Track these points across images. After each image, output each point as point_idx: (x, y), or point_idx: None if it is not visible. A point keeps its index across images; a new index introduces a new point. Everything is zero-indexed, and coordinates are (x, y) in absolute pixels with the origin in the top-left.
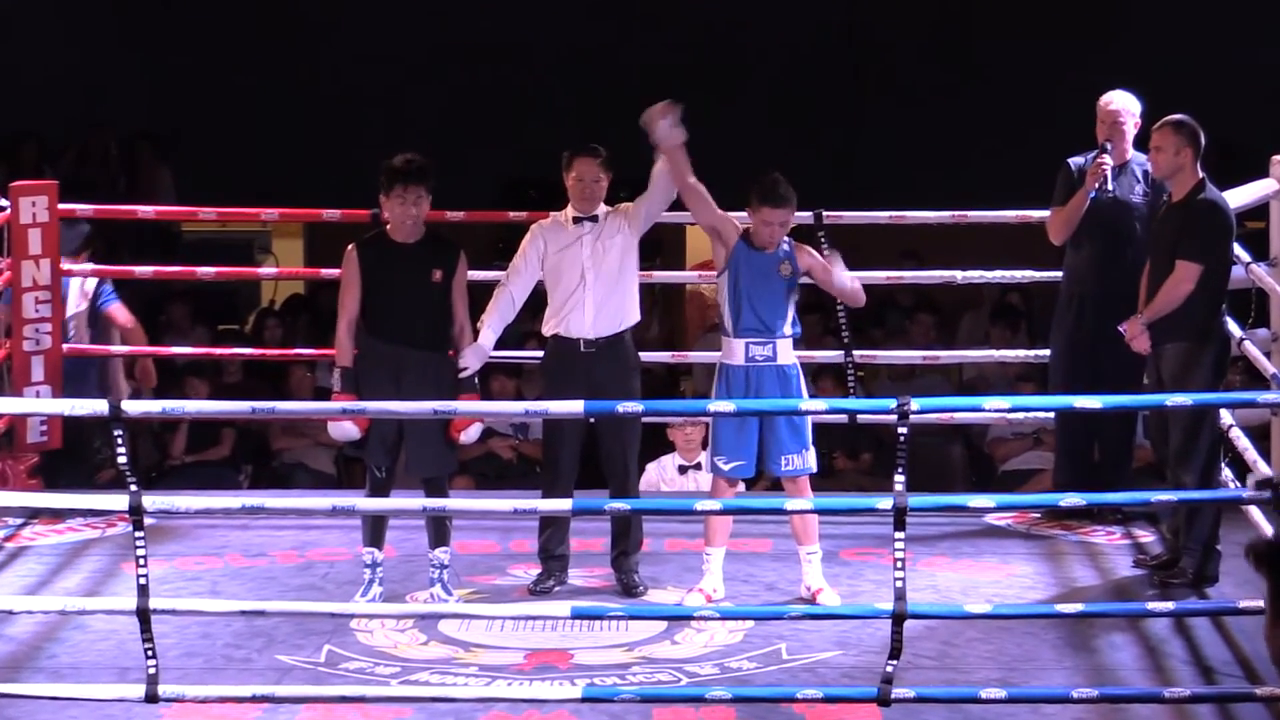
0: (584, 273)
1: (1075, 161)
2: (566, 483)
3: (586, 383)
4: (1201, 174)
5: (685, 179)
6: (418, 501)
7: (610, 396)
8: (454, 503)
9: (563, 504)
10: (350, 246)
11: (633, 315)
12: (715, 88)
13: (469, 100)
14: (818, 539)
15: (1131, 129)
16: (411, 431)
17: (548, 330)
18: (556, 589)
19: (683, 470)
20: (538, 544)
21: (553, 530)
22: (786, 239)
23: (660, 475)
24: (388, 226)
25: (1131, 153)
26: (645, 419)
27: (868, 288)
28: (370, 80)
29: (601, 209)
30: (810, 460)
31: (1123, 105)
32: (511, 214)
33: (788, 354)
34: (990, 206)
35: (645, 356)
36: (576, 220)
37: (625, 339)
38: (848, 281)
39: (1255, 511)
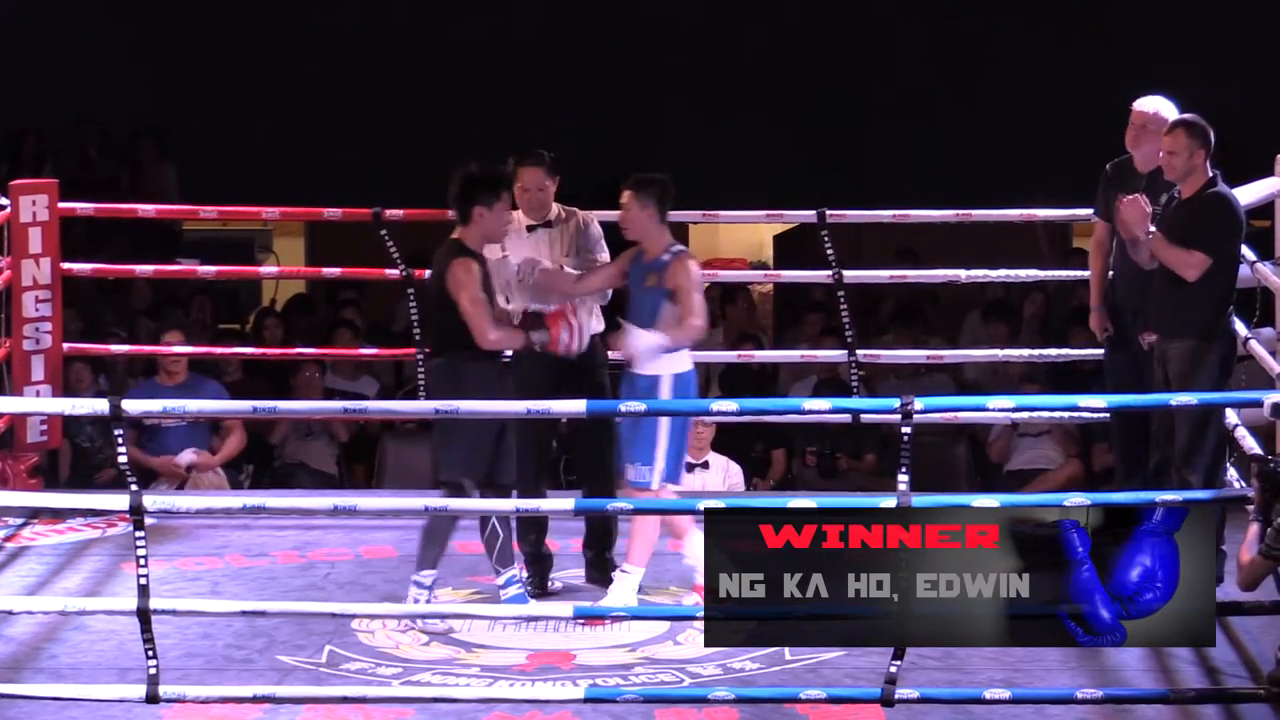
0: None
1: (1108, 168)
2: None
3: (556, 381)
4: (1212, 172)
5: (579, 290)
6: (418, 501)
7: (580, 392)
8: (456, 503)
9: (564, 504)
10: (467, 258)
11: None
12: (716, 86)
13: (475, 100)
14: (644, 563)
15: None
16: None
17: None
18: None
19: (690, 468)
20: (526, 547)
21: (538, 532)
22: (671, 250)
23: None
24: (475, 235)
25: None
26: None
27: (871, 287)
28: (373, 79)
29: (554, 210)
30: (654, 477)
31: (1156, 110)
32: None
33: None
34: (994, 205)
35: None
36: (530, 228)
37: (591, 340)
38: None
39: None
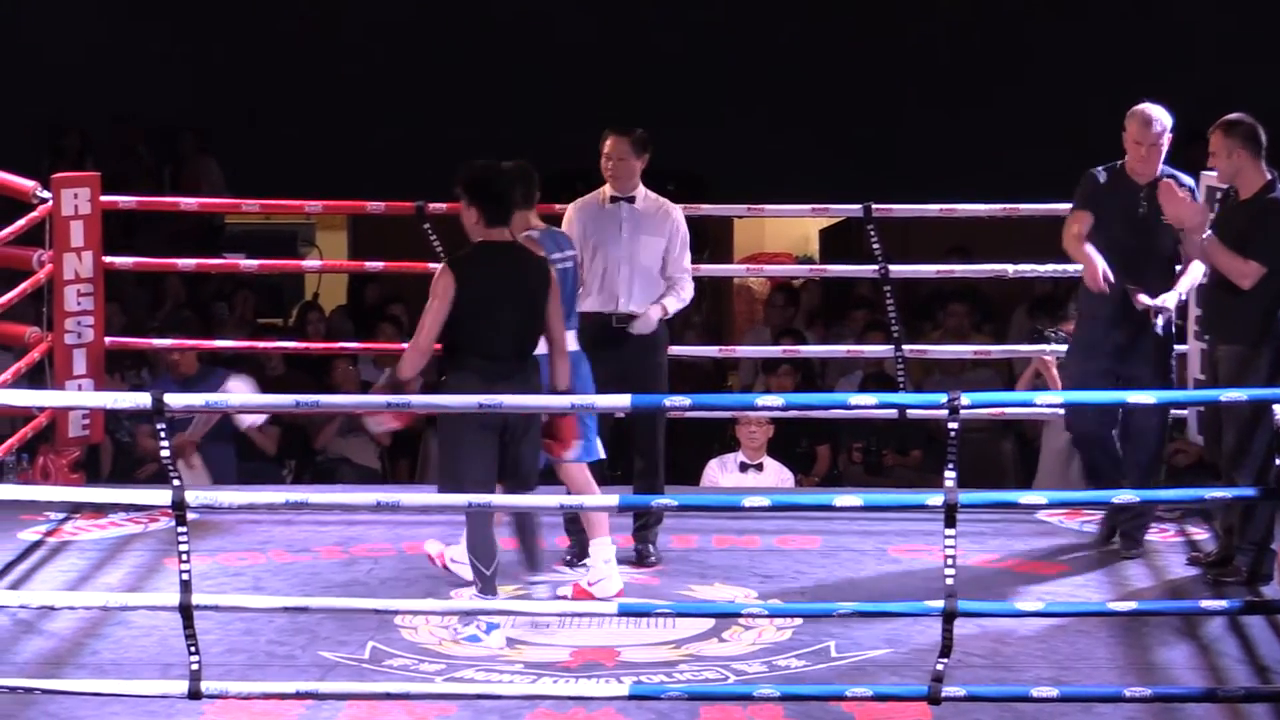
0: (621, 250)
1: (1098, 175)
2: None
3: (617, 356)
4: (1271, 174)
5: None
6: (462, 497)
7: (639, 372)
8: (497, 497)
9: (609, 500)
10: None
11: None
12: (760, 78)
13: (519, 94)
14: (605, 532)
15: (1165, 144)
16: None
17: (583, 307)
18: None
19: (744, 468)
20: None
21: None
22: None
23: (721, 472)
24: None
25: (1162, 168)
26: (694, 414)
27: (919, 281)
28: (416, 74)
29: (641, 191)
30: (592, 448)
31: (1151, 121)
32: (556, 206)
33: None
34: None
35: (692, 351)
36: (613, 199)
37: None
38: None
39: None
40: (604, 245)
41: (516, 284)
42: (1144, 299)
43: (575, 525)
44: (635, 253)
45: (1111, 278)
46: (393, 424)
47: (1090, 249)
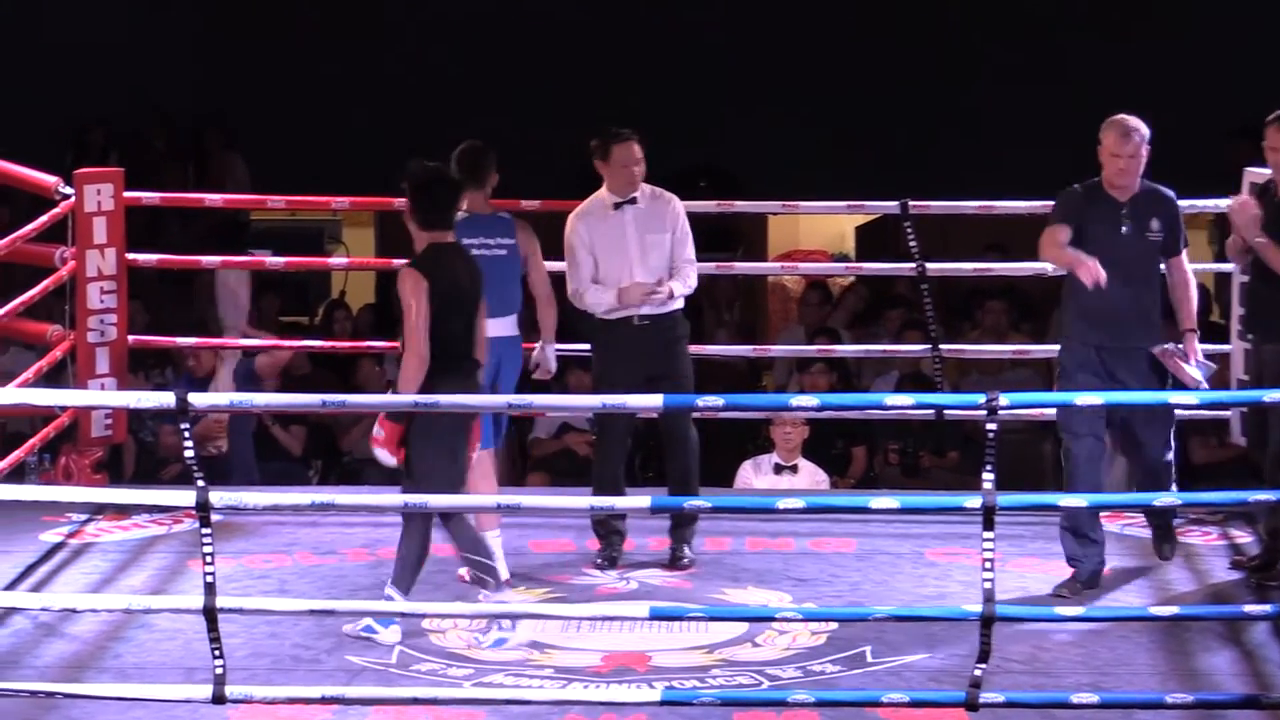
0: (630, 255)
1: (1077, 191)
2: (618, 452)
3: (640, 356)
4: None
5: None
6: (491, 499)
7: (665, 370)
8: (529, 500)
9: (641, 502)
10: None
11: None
12: (787, 74)
13: (550, 89)
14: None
15: (1144, 156)
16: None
17: (600, 312)
18: (618, 560)
19: (778, 470)
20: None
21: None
22: (507, 214)
23: (755, 473)
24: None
25: (1142, 182)
26: (728, 415)
27: (956, 280)
28: (445, 66)
29: (642, 191)
30: (487, 436)
31: (1130, 132)
32: None
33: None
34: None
35: (725, 350)
36: (616, 205)
37: (675, 315)
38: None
39: None
40: (612, 252)
41: (466, 284)
42: (1185, 367)
43: (604, 528)
44: (645, 254)
45: (1104, 278)
46: (391, 459)
47: (1074, 250)
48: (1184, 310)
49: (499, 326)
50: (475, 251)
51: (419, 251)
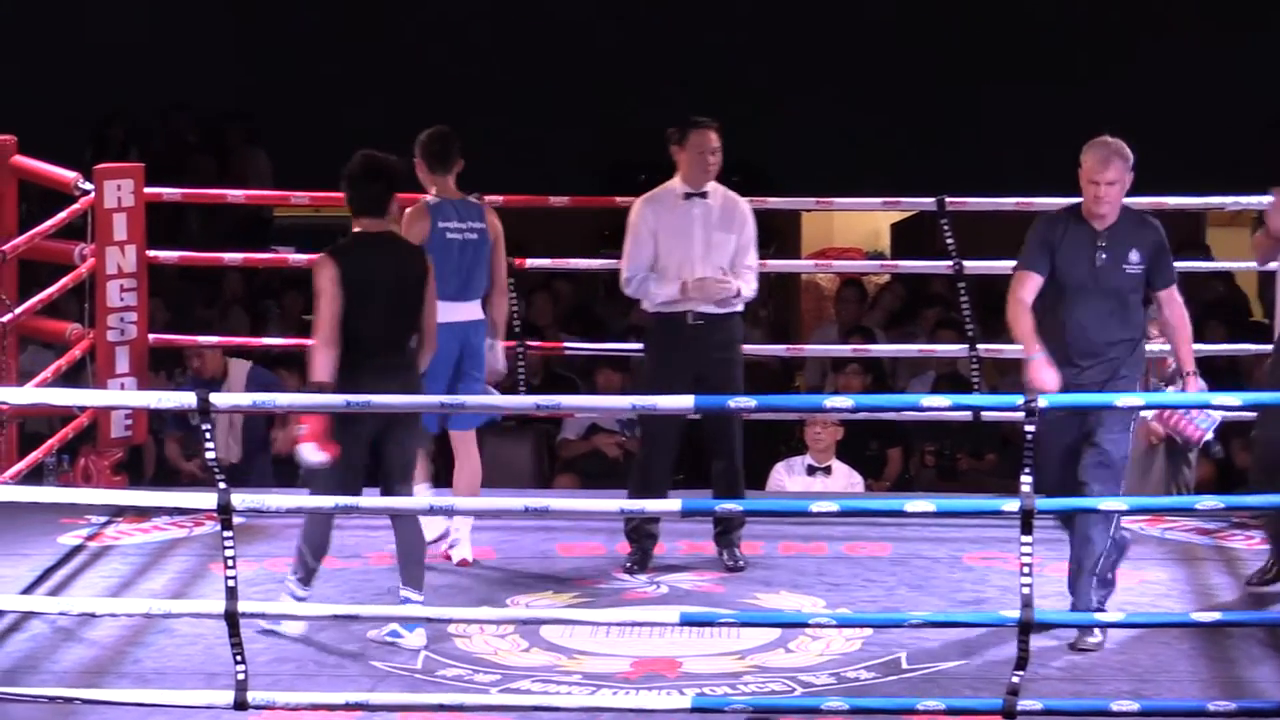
0: (694, 249)
1: (1053, 220)
2: (664, 458)
3: (692, 357)
4: None
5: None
6: (518, 501)
7: (715, 373)
8: (557, 502)
9: (671, 505)
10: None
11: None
12: (825, 64)
13: (570, 83)
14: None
15: (1127, 182)
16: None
17: (656, 305)
18: (650, 565)
19: (811, 471)
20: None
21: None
22: (475, 198)
23: (788, 475)
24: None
25: (1125, 211)
26: (760, 415)
27: (994, 278)
28: (468, 63)
29: (713, 186)
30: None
31: (1109, 158)
32: (619, 199)
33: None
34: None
35: (758, 349)
36: (687, 196)
37: (733, 318)
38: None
39: None
40: (677, 243)
41: (393, 276)
42: (1186, 422)
43: (637, 533)
44: (709, 251)
45: (1052, 388)
46: (320, 455)
47: (1031, 333)
48: (1180, 352)
49: (466, 310)
50: (450, 236)
51: (345, 239)
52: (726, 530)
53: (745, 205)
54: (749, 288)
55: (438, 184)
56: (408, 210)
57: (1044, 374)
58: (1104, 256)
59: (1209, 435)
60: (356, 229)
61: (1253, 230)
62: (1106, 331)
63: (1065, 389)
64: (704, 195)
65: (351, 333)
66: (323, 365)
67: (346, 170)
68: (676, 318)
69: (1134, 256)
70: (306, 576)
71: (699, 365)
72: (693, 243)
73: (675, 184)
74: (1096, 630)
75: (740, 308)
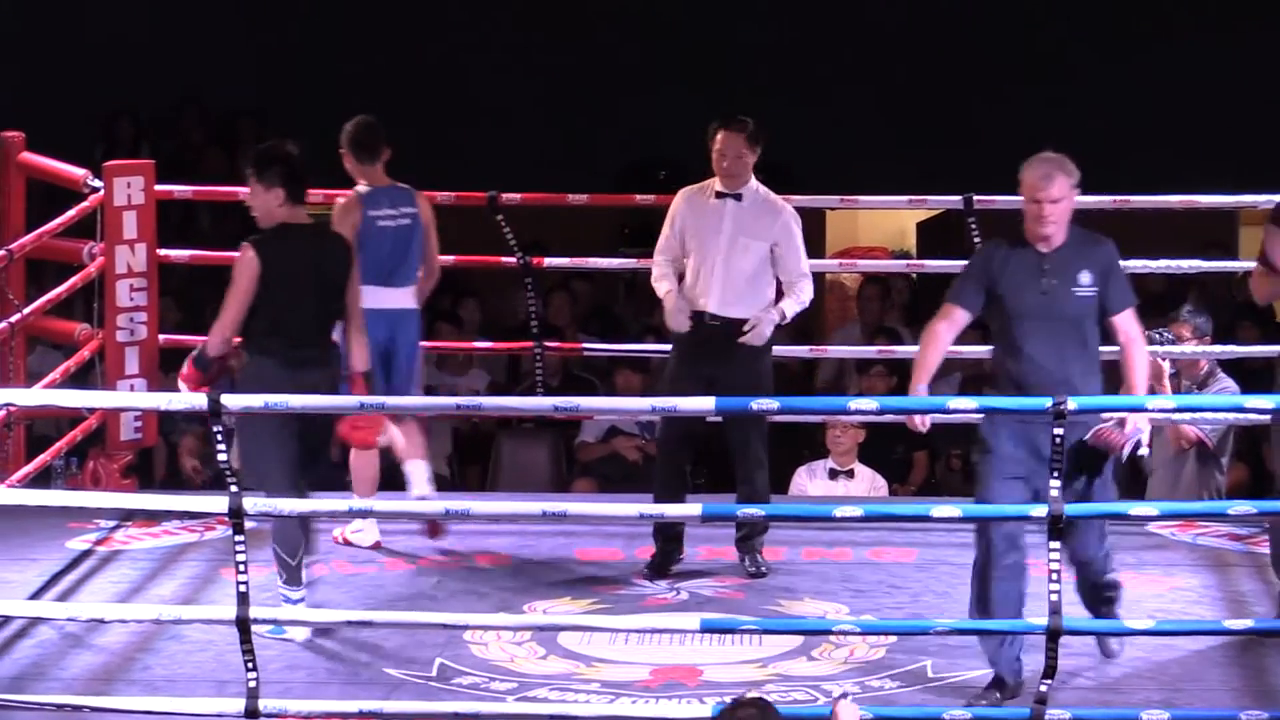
0: (718, 249)
1: (995, 248)
2: (679, 459)
3: (704, 359)
4: None
5: None
6: (535, 505)
7: (737, 379)
8: (575, 506)
9: (692, 510)
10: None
11: (761, 306)
12: (851, 62)
13: (589, 76)
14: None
15: (1071, 201)
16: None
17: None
18: (673, 568)
19: (833, 475)
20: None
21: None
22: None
23: (809, 479)
24: None
25: (1066, 234)
26: (782, 418)
27: None
28: (485, 60)
29: (751, 189)
30: None
31: (1052, 176)
32: (638, 197)
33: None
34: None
35: (781, 350)
36: (719, 195)
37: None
38: None
39: None
40: (702, 242)
41: (316, 265)
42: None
43: (659, 536)
44: (731, 254)
45: (927, 427)
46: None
47: (928, 368)
48: (1132, 378)
49: (397, 297)
50: (382, 223)
51: (267, 229)
52: (748, 535)
53: (786, 210)
54: (796, 302)
55: (366, 173)
56: (339, 201)
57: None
58: (1052, 281)
59: (1130, 447)
60: (282, 218)
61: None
62: (1061, 364)
63: (1014, 430)
64: (737, 197)
65: (273, 323)
66: (217, 344)
67: (261, 161)
68: (696, 316)
69: (1085, 278)
70: (291, 577)
71: (712, 369)
72: (718, 244)
73: (714, 181)
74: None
75: (775, 316)
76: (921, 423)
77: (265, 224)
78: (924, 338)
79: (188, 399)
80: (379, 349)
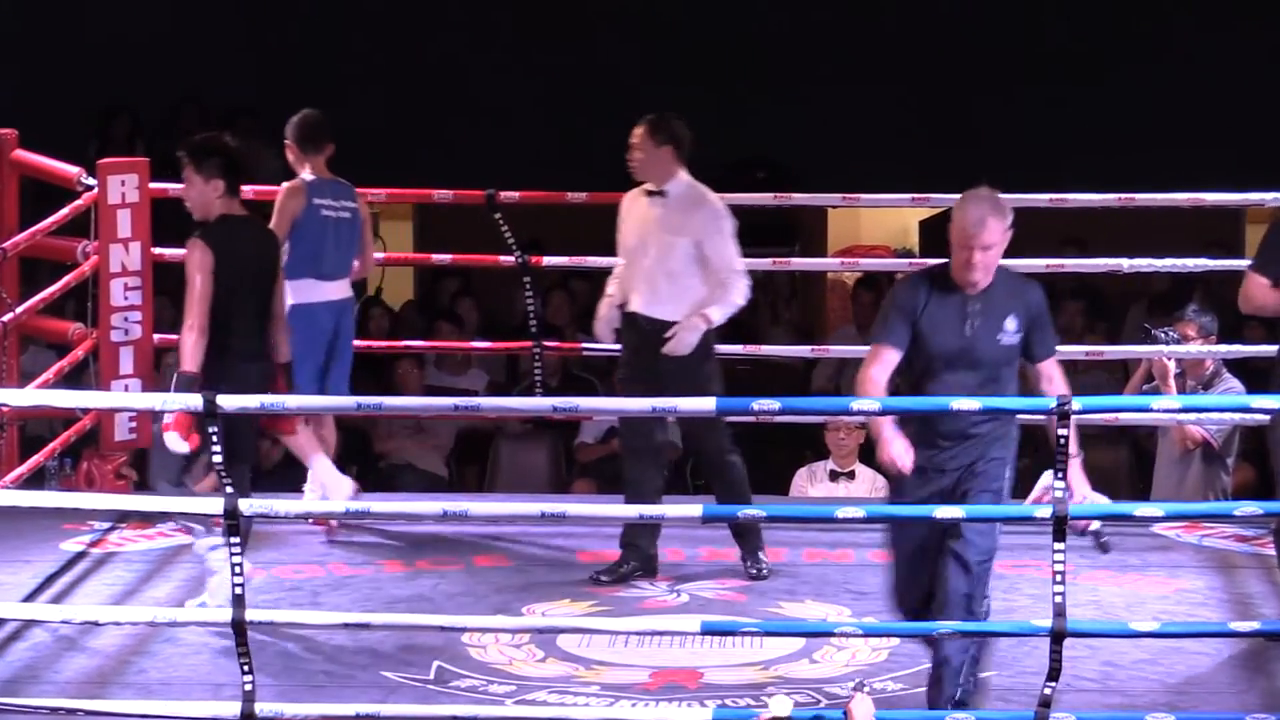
0: (643, 248)
1: (919, 283)
2: (649, 472)
3: (641, 361)
4: None
5: None
6: (534, 506)
7: (660, 382)
8: (575, 507)
9: (691, 510)
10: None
11: (690, 306)
12: (853, 51)
13: (589, 73)
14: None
15: (1003, 244)
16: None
17: (621, 300)
18: (629, 581)
19: (834, 477)
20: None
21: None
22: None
23: (810, 482)
24: None
25: (1001, 273)
26: (783, 418)
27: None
28: (485, 60)
29: (678, 185)
30: None
31: (985, 221)
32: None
33: None
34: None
35: (782, 350)
36: (648, 193)
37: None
38: None
39: None
40: (629, 241)
41: (257, 257)
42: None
43: (624, 540)
44: (653, 252)
45: (910, 464)
46: (182, 445)
47: (889, 424)
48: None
49: (339, 289)
50: (325, 213)
51: (212, 223)
52: (740, 535)
53: (710, 205)
54: (723, 307)
55: (310, 164)
56: (285, 186)
57: (894, 446)
58: (975, 324)
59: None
60: (223, 211)
61: None
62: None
63: (923, 474)
64: (663, 194)
65: (222, 316)
66: (192, 355)
67: (199, 153)
68: (629, 316)
69: (1010, 324)
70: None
71: (648, 373)
72: (644, 242)
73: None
74: None
75: (688, 313)
76: (905, 466)
77: (201, 216)
78: (863, 390)
79: (183, 400)
80: (326, 339)
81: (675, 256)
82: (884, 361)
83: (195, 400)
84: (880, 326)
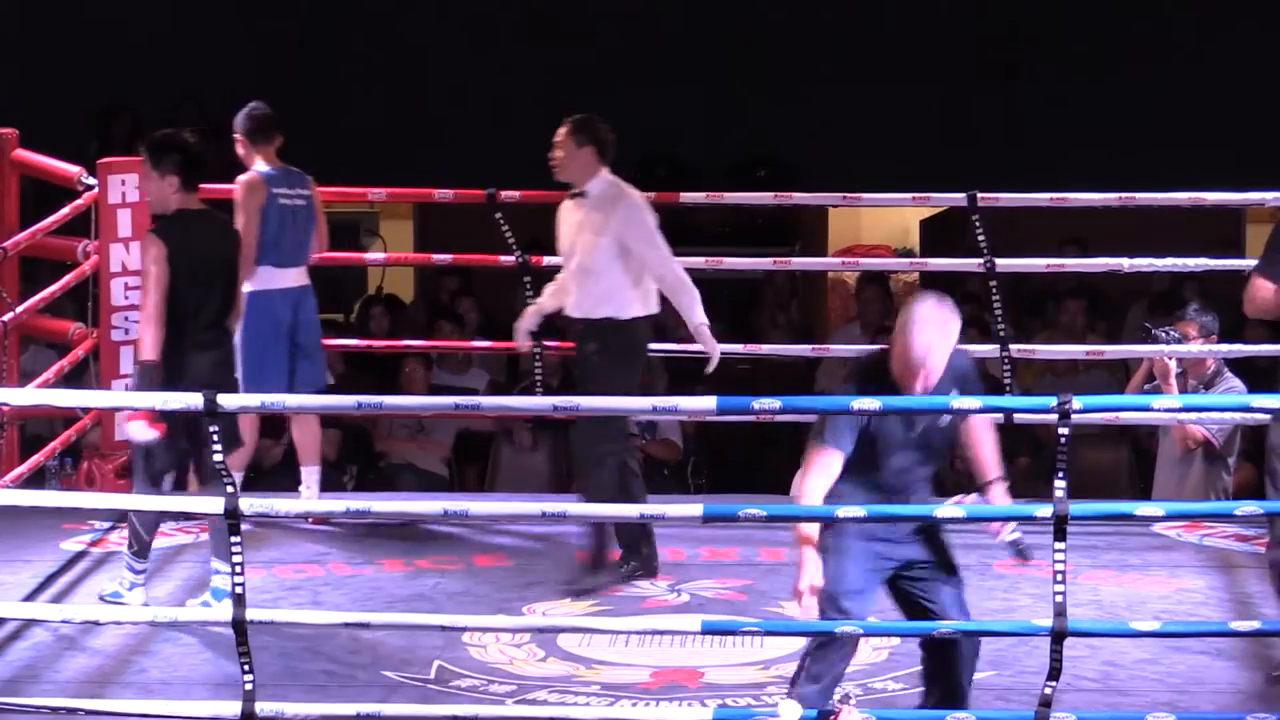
0: (570, 249)
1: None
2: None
3: (579, 364)
4: None
5: None
6: (534, 506)
7: (593, 385)
8: (575, 507)
9: (693, 509)
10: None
11: (613, 305)
12: (854, 50)
13: (587, 72)
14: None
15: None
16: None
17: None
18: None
19: None
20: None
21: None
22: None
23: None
24: None
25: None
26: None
27: (1028, 276)
28: (485, 60)
29: (598, 184)
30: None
31: (930, 348)
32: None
33: None
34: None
35: (783, 350)
36: (573, 195)
37: (607, 326)
38: None
39: None
40: (562, 244)
41: (216, 249)
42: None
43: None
44: (576, 252)
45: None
46: (149, 433)
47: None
48: (982, 462)
49: (297, 275)
50: (283, 202)
51: (168, 217)
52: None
53: (625, 199)
54: (690, 300)
55: (262, 155)
56: (243, 179)
57: (809, 569)
58: (918, 424)
59: (1022, 546)
60: (180, 205)
61: None
62: (917, 473)
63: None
64: (584, 195)
65: (178, 309)
66: (152, 344)
67: (158, 148)
68: (565, 321)
69: (944, 419)
70: (141, 550)
71: (579, 375)
72: (570, 246)
73: None
74: None
75: (612, 310)
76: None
77: (159, 211)
78: (800, 492)
79: (183, 399)
80: (284, 327)
81: (597, 256)
82: (828, 468)
83: (196, 399)
84: (828, 430)
